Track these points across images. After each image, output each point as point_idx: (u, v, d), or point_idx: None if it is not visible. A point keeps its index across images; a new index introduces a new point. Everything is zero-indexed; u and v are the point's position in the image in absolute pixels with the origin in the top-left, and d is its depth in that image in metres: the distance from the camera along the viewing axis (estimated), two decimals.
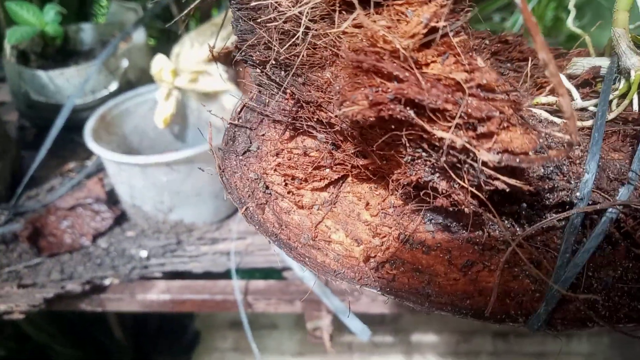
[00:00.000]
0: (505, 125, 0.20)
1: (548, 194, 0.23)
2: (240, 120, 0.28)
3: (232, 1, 0.25)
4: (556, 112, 0.28)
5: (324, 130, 0.25)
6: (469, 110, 0.19)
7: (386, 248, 0.25)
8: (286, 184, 0.27)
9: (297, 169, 0.26)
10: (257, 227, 0.26)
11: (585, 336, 1.00)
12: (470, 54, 0.21)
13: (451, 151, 0.20)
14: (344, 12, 0.22)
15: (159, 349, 1.48)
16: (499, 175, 0.19)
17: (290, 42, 0.24)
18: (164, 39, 1.94)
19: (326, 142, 0.26)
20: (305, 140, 0.27)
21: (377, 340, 1.03)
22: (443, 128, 0.20)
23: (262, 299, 0.65)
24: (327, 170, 0.26)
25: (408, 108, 0.20)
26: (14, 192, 0.78)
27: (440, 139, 0.20)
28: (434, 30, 0.20)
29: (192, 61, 0.81)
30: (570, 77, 0.31)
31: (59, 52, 1.05)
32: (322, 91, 0.24)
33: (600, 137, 0.23)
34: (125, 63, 0.91)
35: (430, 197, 0.22)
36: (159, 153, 0.84)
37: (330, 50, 0.23)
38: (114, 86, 0.92)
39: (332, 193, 0.27)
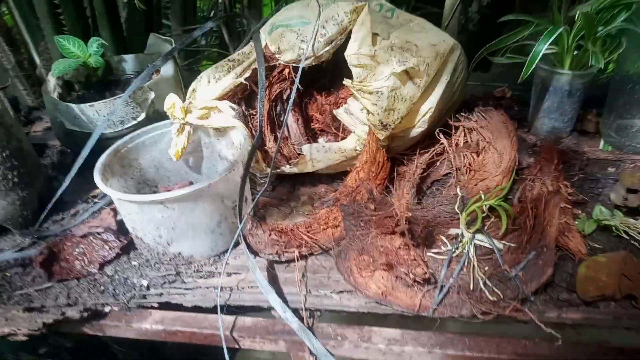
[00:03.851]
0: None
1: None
2: None
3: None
4: None
5: None
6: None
7: None
8: None
9: None
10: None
11: None
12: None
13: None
14: None
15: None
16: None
17: None
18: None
19: None
20: None
21: None
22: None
23: (247, 336, 0.66)
24: None
25: None
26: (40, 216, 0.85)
27: None
28: None
29: (206, 97, 0.85)
30: None
31: (101, 81, 1.13)
32: None
33: None
34: (151, 95, 0.96)
35: None
36: (175, 184, 0.89)
37: None
38: (141, 116, 0.97)
39: None
